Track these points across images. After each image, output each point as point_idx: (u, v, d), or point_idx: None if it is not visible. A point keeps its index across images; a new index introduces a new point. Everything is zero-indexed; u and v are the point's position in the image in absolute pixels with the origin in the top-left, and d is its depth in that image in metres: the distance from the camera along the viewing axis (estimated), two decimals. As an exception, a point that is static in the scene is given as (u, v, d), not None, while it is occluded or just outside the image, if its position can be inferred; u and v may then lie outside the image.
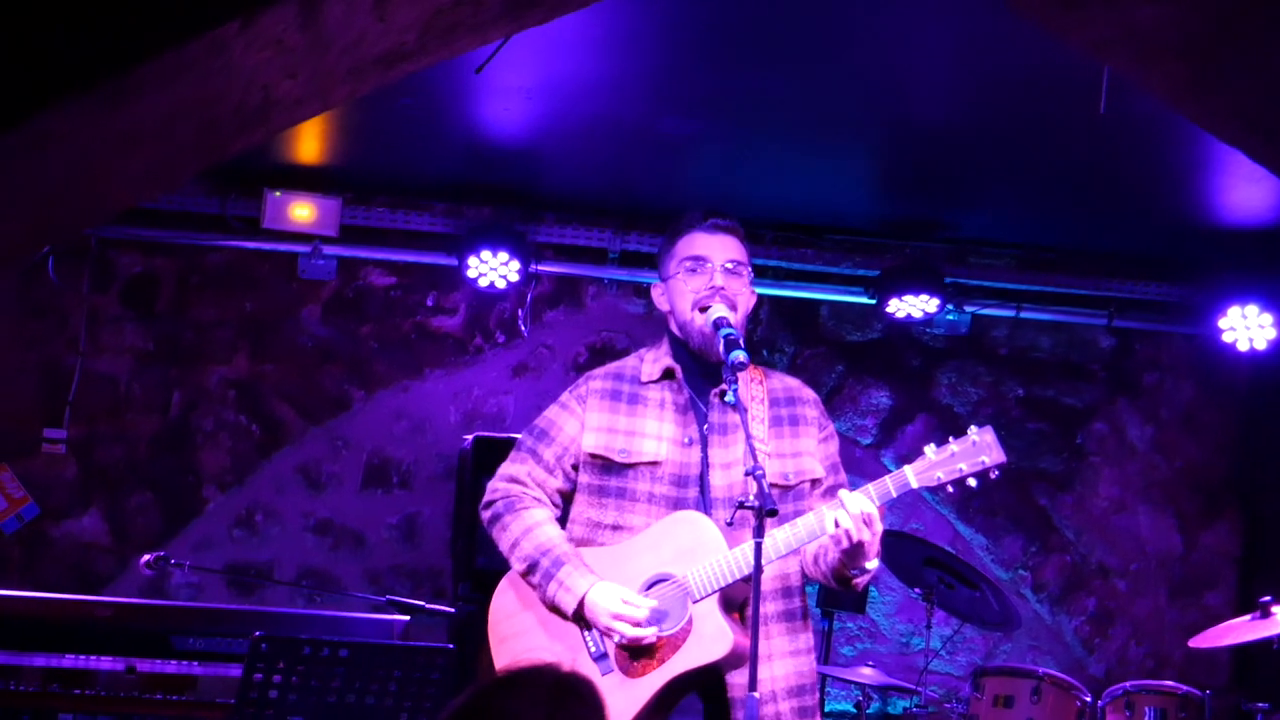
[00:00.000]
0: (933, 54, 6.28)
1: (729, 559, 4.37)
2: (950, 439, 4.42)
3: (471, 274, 8.04)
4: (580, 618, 4.49)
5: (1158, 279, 8.65)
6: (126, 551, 7.92)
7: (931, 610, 7.36)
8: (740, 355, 4.39)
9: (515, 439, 7.30)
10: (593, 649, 4.48)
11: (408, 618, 6.07)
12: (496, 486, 4.77)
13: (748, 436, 4.32)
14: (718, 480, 4.54)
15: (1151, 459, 8.92)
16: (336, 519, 8.28)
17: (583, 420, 4.67)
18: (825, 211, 8.33)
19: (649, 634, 4.40)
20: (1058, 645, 8.80)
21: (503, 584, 4.74)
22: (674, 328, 4.71)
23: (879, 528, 4.34)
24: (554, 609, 4.53)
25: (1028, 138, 6.96)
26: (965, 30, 5.92)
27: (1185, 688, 7.03)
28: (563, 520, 4.72)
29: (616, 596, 4.44)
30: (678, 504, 4.53)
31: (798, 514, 4.46)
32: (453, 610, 6.80)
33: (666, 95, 6.80)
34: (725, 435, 4.57)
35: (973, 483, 4.39)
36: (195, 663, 5.94)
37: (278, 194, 7.84)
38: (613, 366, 4.82)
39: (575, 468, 4.68)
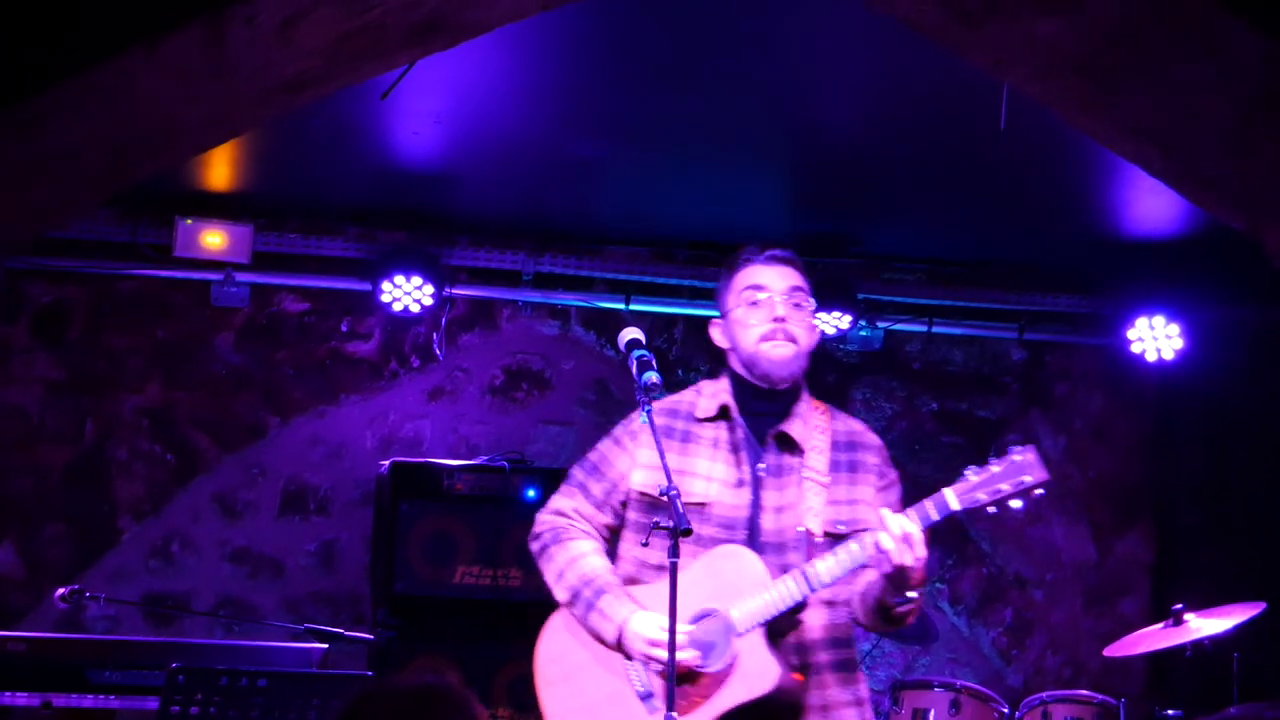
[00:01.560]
0: (840, 73, 6.33)
1: (772, 593, 4.30)
2: (991, 459, 4.35)
3: (385, 299, 8.01)
4: (621, 648, 4.41)
5: (1066, 291, 8.74)
6: (41, 584, 7.83)
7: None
8: (653, 377, 4.34)
9: (432, 464, 7.41)
10: (639, 688, 4.40)
11: (326, 645, 6.04)
12: (544, 519, 4.69)
13: (750, 471, 4.30)
14: (768, 524, 4.45)
15: (1065, 469, 9.01)
16: (254, 547, 8.23)
17: (633, 457, 4.59)
18: (737, 230, 8.31)
19: (688, 658, 4.29)
20: (976, 657, 8.87)
21: (550, 624, 4.66)
22: (736, 364, 4.64)
23: (922, 551, 4.22)
24: (596, 639, 4.45)
25: (936, 153, 7.03)
26: (871, 49, 5.97)
27: (1100, 696, 7.10)
28: (610, 556, 4.64)
29: (654, 624, 4.34)
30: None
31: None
32: (371, 637, 6.79)
33: (577, 117, 6.82)
34: (780, 478, 4.48)
35: (1016, 504, 4.30)
36: (112, 696, 5.88)
37: (189, 221, 7.79)
38: (669, 401, 4.69)
39: (624, 504, 4.60)
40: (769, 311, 4.55)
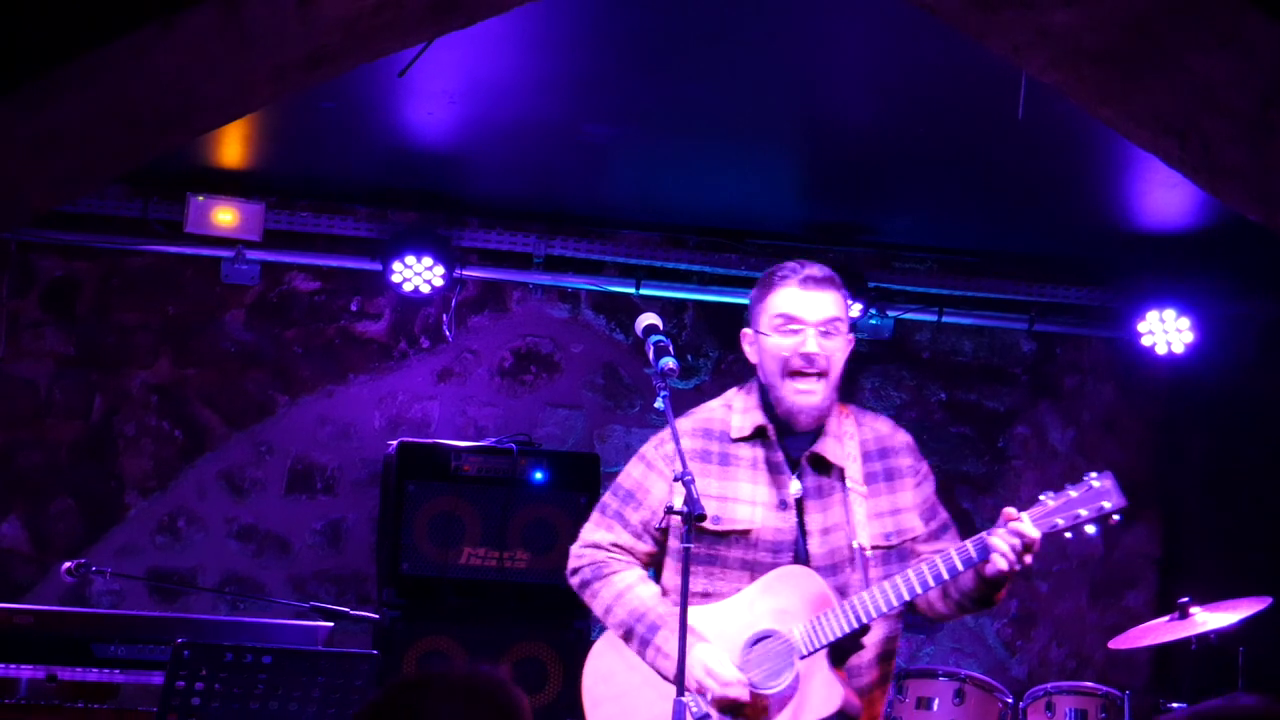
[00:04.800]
0: (854, 59, 6.32)
1: (838, 614, 4.24)
2: (1067, 485, 4.38)
3: (396, 279, 8.01)
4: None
5: (1078, 283, 8.73)
6: (47, 559, 7.84)
7: (855, 613, 7.38)
8: (670, 362, 4.24)
9: (440, 445, 7.41)
10: (694, 710, 4.24)
11: (331, 624, 6.05)
12: (582, 553, 4.56)
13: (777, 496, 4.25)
14: (815, 548, 4.37)
15: (1073, 461, 8.99)
16: (260, 525, 8.24)
17: (670, 484, 4.38)
18: (748, 216, 8.36)
19: (735, 691, 4.26)
20: (980, 647, 8.87)
21: (598, 646, 4.57)
22: (762, 381, 4.49)
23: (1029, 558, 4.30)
24: (658, 673, 4.37)
25: (949, 142, 7.01)
26: (886, 35, 5.96)
27: (1105, 688, 7.09)
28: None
29: (713, 654, 4.29)
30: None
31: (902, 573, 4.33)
32: (376, 616, 6.80)
33: (590, 99, 6.81)
34: (821, 498, 4.40)
35: (1091, 529, 4.34)
36: (117, 670, 5.90)
37: (201, 198, 7.79)
38: (700, 419, 4.53)
39: (662, 530, 4.47)
40: (799, 343, 4.39)
